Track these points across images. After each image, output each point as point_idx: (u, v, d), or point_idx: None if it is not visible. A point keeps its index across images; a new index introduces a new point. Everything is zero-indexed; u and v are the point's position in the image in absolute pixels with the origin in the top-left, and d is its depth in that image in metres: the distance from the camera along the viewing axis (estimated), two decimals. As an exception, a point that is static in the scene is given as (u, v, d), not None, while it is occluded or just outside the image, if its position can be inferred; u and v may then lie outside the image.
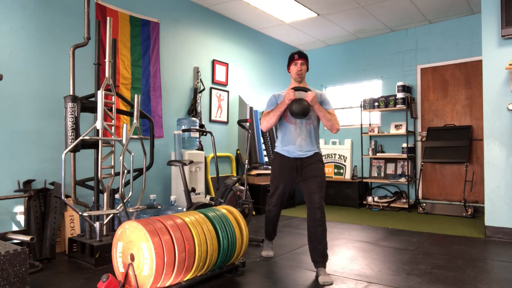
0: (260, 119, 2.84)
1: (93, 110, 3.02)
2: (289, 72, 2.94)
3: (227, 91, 5.34)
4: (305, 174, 2.77)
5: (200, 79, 4.84)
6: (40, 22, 3.34)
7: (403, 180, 5.58)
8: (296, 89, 2.76)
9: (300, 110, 2.67)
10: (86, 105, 2.97)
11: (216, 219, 2.52)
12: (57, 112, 3.38)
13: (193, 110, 4.69)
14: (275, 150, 2.98)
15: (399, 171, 5.80)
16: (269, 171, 5.36)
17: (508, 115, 3.71)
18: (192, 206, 3.46)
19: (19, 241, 2.71)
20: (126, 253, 2.21)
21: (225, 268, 2.63)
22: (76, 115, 2.85)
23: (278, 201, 2.94)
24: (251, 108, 5.48)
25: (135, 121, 3.09)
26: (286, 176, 2.84)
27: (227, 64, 5.35)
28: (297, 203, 5.95)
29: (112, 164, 3.15)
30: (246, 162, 4.27)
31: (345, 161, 6.24)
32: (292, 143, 2.81)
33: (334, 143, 6.44)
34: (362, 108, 5.98)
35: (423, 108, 5.78)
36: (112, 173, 3.14)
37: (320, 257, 2.62)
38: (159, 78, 4.38)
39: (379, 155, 5.94)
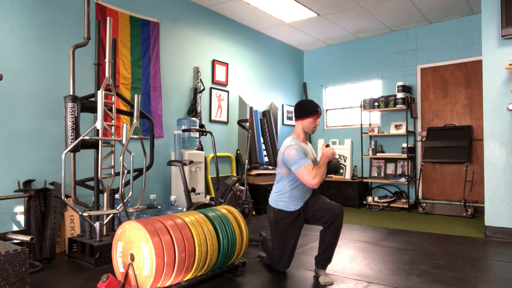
0: (301, 171, 2.48)
1: (93, 110, 3.02)
2: (300, 121, 2.71)
3: (227, 91, 5.34)
4: (308, 205, 2.68)
5: (200, 79, 4.84)
6: (40, 22, 3.34)
7: (403, 180, 5.58)
8: (327, 145, 2.65)
9: (338, 168, 2.62)
10: (86, 105, 2.97)
11: (216, 219, 2.52)
12: (57, 112, 3.38)
13: (193, 110, 4.69)
14: (275, 206, 2.70)
15: (399, 171, 5.80)
16: (269, 171, 5.37)
17: (508, 115, 3.71)
18: (192, 206, 3.46)
19: (19, 241, 2.71)
20: (126, 253, 2.21)
21: (225, 268, 2.63)
22: (76, 115, 2.85)
23: (289, 261, 2.70)
24: (251, 108, 5.48)
25: (135, 121, 3.09)
26: (298, 229, 2.69)
27: (227, 64, 5.35)
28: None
29: (112, 164, 3.15)
30: (246, 162, 4.28)
31: (345, 161, 6.24)
32: (302, 199, 2.67)
33: (334, 143, 6.44)
34: (362, 108, 5.98)
35: (423, 108, 5.78)
36: (112, 173, 3.14)
37: (326, 261, 2.62)
38: (159, 78, 4.38)
39: (379, 155, 5.94)
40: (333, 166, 2.60)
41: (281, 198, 2.69)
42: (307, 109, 2.70)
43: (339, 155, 6.30)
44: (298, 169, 2.50)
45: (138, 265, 2.14)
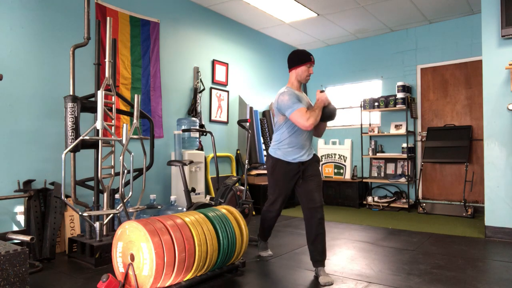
0: (294, 115, 2.52)
1: (93, 110, 3.02)
2: (293, 70, 2.74)
3: (227, 91, 5.34)
4: (304, 175, 2.73)
5: (200, 79, 4.84)
6: (40, 22, 3.34)
7: (403, 180, 5.58)
8: (321, 91, 2.68)
9: (334, 113, 2.63)
10: (86, 105, 2.97)
11: (216, 219, 2.52)
12: (57, 112, 3.38)
13: (193, 110, 4.69)
14: (274, 155, 2.76)
15: (399, 171, 5.80)
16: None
17: (508, 115, 3.71)
18: (192, 206, 3.46)
19: (19, 241, 2.71)
20: (126, 253, 2.21)
21: (225, 268, 2.63)
22: (76, 115, 2.85)
23: (280, 207, 2.86)
24: (251, 108, 5.48)
25: (135, 121, 3.09)
26: (291, 183, 2.74)
27: (227, 64, 5.35)
28: (297, 203, 5.95)
29: (112, 164, 3.15)
30: (246, 162, 4.28)
31: (345, 161, 6.24)
32: (301, 148, 2.70)
33: (334, 143, 6.44)
34: (362, 108, 5.98)
35: (423, 108, 5.78)
36: (112, 173, 3.14)
37: (320, 256, 2.61)
38: (159, 78, 4.38)
39: (379, 155, 5.94)
40: (329, 111, 2.62)
41: (280, 146, 2.73)
42: (300, 57, 2.73)
43: (339, 155, 6.30)
44: (292, 113, 2.54)
45: (138, 265, 2.14)
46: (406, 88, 5.62)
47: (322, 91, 2.65)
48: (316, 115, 2.54)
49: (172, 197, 3.82)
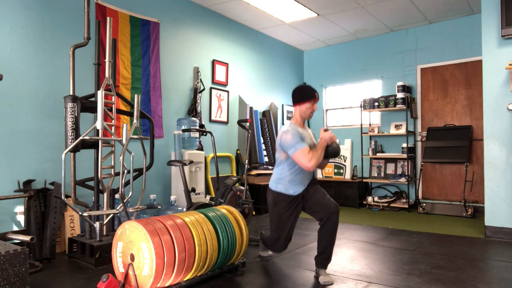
0: (297, 155, 2.50)
1: (93, 110, 3.02)
2: (297, 106, 2.71)
3: (227, 91, 5.34)
4: (307, 197, 2.69)
5: (200, 79, 4.84)
6: (40, 22, 3.34)
7: (403, 180, 5.58)
8: (325, 130, 2.64)
9: (337, 151, 2.61)
10: (86, 105, 2.97)
11: (216, 219, 2.52)
12: (57, 112, 3.38)
13: (193, 110, 4.69)
14: (275, 189, 2.71)
15: (399, 171, 5.80)
16: (269, 171, 5.37)
17: (508, 115, 3.71)
18: (192, 206, 3.46)
19: (19, 241, 2.71)
20: (126, 253, 2.21)
21: (225, 268, 2.63)
22: (76, 115, 2.85)
23: (286, 242, 2.73)
24: (251, 108, 5.48)
25: (135, 121, 3.09)
26: (294, 215, 2.69)
27: (227, 64, 5.35)
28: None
29: (112, 164, 3.15)
30: (246, 162, 4.28)
31: (345, 161, 6.24)
32: (302, 183, 2.68)
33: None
34: (362, 108, 5.98)
35: (423, 108, 5.78)
36: (112, 173, 3.14)
37: (325, 261, 2.62)
38: (159, 78, 4.38)
39: (379, 155, 5.94)
40: (332, 150, 2.60)
41: (281, 181, 2.70)
42: (304, 94, 2.70)
43: (339, 156, 6.29)
44: (294, 152, 2.52)
45: (138, 265, 2.14)
46: (406, 88, 5.62)
47: (326, 130, 2.62)
48: (319, 155, 2.51)
49: (172, 197, 3.82)
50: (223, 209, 2.71)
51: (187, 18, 4.77)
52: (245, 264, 2.82)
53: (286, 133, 2.60)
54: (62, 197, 2.78)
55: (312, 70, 7.02)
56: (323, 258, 2.61)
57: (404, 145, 5.61)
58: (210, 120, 5.06)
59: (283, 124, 6.49)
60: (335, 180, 6.10)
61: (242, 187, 4.29)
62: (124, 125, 3.00)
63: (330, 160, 2.79)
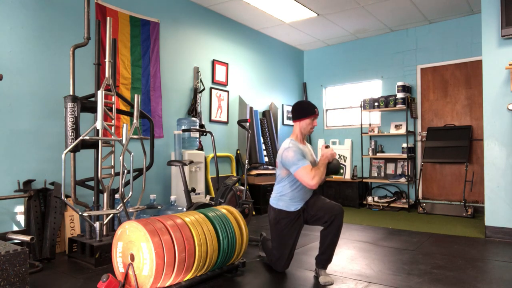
0: (299, 172, 2.49)
1: (93, 110, 3.02)
2: (297, 122, 2.71)
3: (227, 91, 5.34)
4: (308, 206, 2.68)
5: (200, 79, 4.84)
6: (40, 22, 3.34)
7: (403, 180, 5.58)
8: (326, 146, 2.66)
9: (338, 169, 2.61)
10: (86, 105, 2.97)
11: (216, 219, 2.52)
12: (57, 112, 3.38)
13: (193, 110, 4.69)
14: (276, 206, 2.70)
15: (399, 171, 5.80)
16: (269, 171, 5.37)
17: (508, 115, 3.71)
18: (192, 206, 3.46)
19: (19, 241, 2.71)
20: (126, 253, 2.21)
21: (225, 268, 2.63)
22: (76, 115, 2.85)
23: (288, 261, 2.71)
24: (251, 108, 5.48)
25: (135, 121, 3.09)
26: (297, 230, 2.68)
27: (227, 64, 5.35)
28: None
29: (112, 164, 3.15)
30: (246, 162, 4.28)
31: (345, 161, 6.24)
32: (303, 200, 2.68)
33: (334, 143, 6.44)
34: (362, 108, 5.98)
35: (423, 108, 5.78)
36: (112, 173, 3.14)
37: (326, 262, 2.62)
38: (159, 78, 4.38)
39: (379, 155, 5.94)
40: (333, 167, 2.60)
41: (282, 198, 2.69)
42: (303, 110, 2.70)
43: (339, 155, 6.30)
44: (296, 170, 2.51)
45: (138, 265, 2.14)
46: (406, 88, 5.62)
47: (327, 146, 2.62)
48: (321, 173, 2.50)
49: (172, 197, 3.82)
50: (223, 209, 2.71)
51: (187, 18, 4.77)
52: (245, 264, 2.82)
53: (287, 150, 2.58)
54: (62, 197, 2.78)
55: (312, 70, 7.02)
56: (324, 258, 2.61)
57: (404, 145, 5.61)
58: (210, 120, 5.06)
59: (283, 124, 6.49)
60: (335, 180, 6.10)
61: (242, 187, 4.28)
62: (124, 125, 3.00)
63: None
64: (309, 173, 2.46)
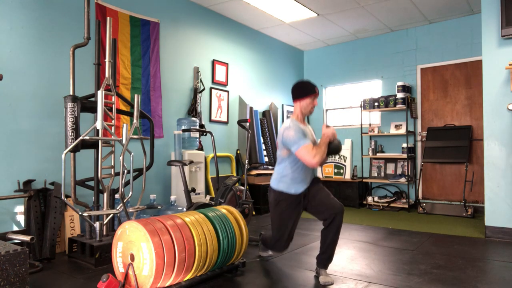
0: (301, 151, 2.47)
1: (93, 110, 3.02)
2: (298, 102, 2.69)
3: (227, 91, 5.34)
4: (310, 196, 2.67)
5: (200, 79, 4.84)
6: (40, 22, 3.34)
7: (403, 180, 5.58)
8: (327, 126, 2.64)
9: (339, 148, 2.60)
10: (86, 105, 2.97)
11: (216, 219, 2.52)
12: (57, 112, 3.38)
13: (193, 110, 4.69)
14: (276, 188, 2.69)
15: (399, 171, 5.80)
16: (269, 171, 5.37)
17: (508, 115, 3.71)
18: (192, 206, 3.46)
19: (19, 241, 2.71)
20: (126, 253, 2.21)
21: (225, 268, 2.63)
22: (76, 115, 2.85)
23: (288, 242, 2.73)
24: (251, 108, 5.48)
25: (135, 121, 3.09)
26: (296, 214, 2.67)
27: (227, 64, 5.35)
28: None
29: (112, 164, 3.15)
30: (246, 162, 4.28)
31: (345, 161, 6.24)
32: (303, 181, 2.66)
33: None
34: (362, 108, 5.98)
35: (423, 108, 5.78)
36: (112, 173, 3.14)
37: (327, 261, 2.62)
38: (159, 78, 4.38)
39: (379, 155, 5.94)
40: (334, 146, 2.58)
41: (283, 180, 2.67)
42: (304, 89, 2.68)
43: (339, 155, 6.30)
44: (298, 149, 2.49)
45: (138, 265, 2.14)
46: (406, 88, 5.62)
47: (328, 126, 2.61)
48: (323, 152, 2.48)
49: (172, 197, 3.82)
50: (223, 209, 2.71)
51: (187, 18, 4.77)
52: (245, 264, 2.82)
53: (288, 130, 2.58)
54: (62, 197, 2.78)
55: (312, 70, 7.02)
56: (325, 258, 2.61)
57: (404, 145, 5.61)
58: (210, 120, 5.06)
59: (283, 123, 6.48)
60: (335, 180, 6.10)
61: (242, 187, 4.28)
62: (124, 125, 3.00)
63: (330, 159, 2.78)
64: (311, 152, 2.45)
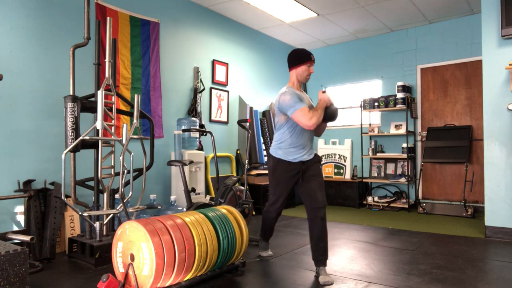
0: (297, 114, 2.50)
1: (93, 110, 3.02)
2: (293, 70, 2.72)
3: (227, 91, 5.34)
4: (306, 175, 2.71)
5: (200, 79, 4.84)
6: (40, 22, 3.34)
7: (403, 180, 5.58)
8: (323, 91, 2.66)
9: (336, 113, 2.62)
10: (86, 105, 2.97)
11: (216, 219, 2.52)
12: (57, 112, 3.38)
13: (193, 110, 4.69)
14: (275, 155, 2.74)
15: (399, 171, 5.80)
16: (269, 171, 5.36)
17: (508, 115, 3.71)
18: (192, 206, 3.46)
19: (19, 241, 2.71)
20: (126, 253, 2.21)
21: (225, 268, 2.63)
22: (76, 115, 2.85)
23: (281, 207, 2.84)
24: (251, 108, 5.48)
25: (135, 121, 3.09)
26: (292, 182, 2.72)
27: (227, 64, 5.35)
28: (297, 203, 5.96)
29: (112, 164, 3.15)
30: (246, 162, 4.27)
31: (345, 161, 6.24)
32: (302, 147, 2.68)
33: (334, 143, 6.45)
34: (362, 108, 5.98)
35: (423, 108, 5.78)
36: (112, 173, 3.14)
37: (322, 255, 2.61)
38: (159, 78, 4.38)
39: (379, 155, 5.94)
40: (331, 111, 2.61)
41: (281, 146, 2.71)
42: (300, 56, 2.71)
43: (339, 155, 6.30)
44: (294, 112, 2.53)
45: (138, 265, 2.14)
46: (406, 88, 5.62)
47: (324, 92, 2.64)
48: (319, 114, 2.52)
49: (172, 197, 3.82)
50: (223, 209, 2.71)
51: (187, 18, 4.77)
52: (245, 264, 2.82)
53: (284, 94, 2.62)
54: (62, 197, 2.78)
55: (312, 70, 7.01)
56: (319, 254, 2.60)
57: (404, 145, 5.61)
58: (210, 120, 5.06)
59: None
60: (335, 180, 6.10)
61: (242, 187, 4.28)
62: (124, 125, 3.00)
63: (328, 123, 2.76)
64: (307, 114, 2.49)
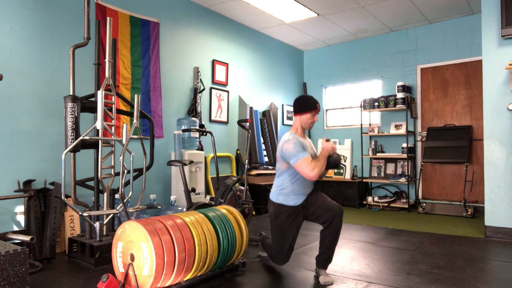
0: (299, 164, 2.47)
1: (93, 110, 3.02)
2: (298, 116, 2.71)
3: (227, 91, 5.34)
4: (308, 202, 2.67)
5: (200, 79, 4.83)
6: (40, 22, 3.34)
7: (403, 180, 5.58)
8: (327, 140, 2.65)
9: (338, 162, 2.60)
10: (86, 105, 2.97)
11: (216, 219, 2.52)
12: (57, 112, 3.38)
13: (193, 110, 4.69)
14: (276, 201, 2.68)
15: (399, 171, 5.80)
16: (269, 171, 5.37)
17: (508, 115, 3.71)
18: (192, 206, 3.46)
19: (19, 241, 2.71)
20: (126, 253, 2.21)
21: (225, 268, 2.64)
22: (76, 115, 2.85)
23: (288, 255, 2.69)
24: (251, 108, 5.48)
25: (135, 121, 3.09)
26: (296, 224, 2.65)
27: (227, 64, 5.35)
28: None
29: (112, 164, 3.15)
30: (246, 162, 4.27)
31: (345, 161, 6.24)
32: (303, 194, 2.66)
33: (334, 143, 6.43)
34: (362, 108, 5.98)
35: (423, 108, 5.78)
36: (112, 173, 3.14)
37: (327, 261, 2.62)
38: (159, 78, 4.38)
39: (379, 155, 5.94)
40: (333, 160, 2.58)
41: (282, 192, 2.67)
42: (305, 104, 2.70)
43: (338, 155, 6.30)
44: (296, 162, 2.49)
45: (138, 265, 2.14)
46: (406, 88, 5.62)
47: (327, 140, 2.62)
48: (321, 165, 2.48)
49: (172, 197, 3.82)
50: (223, 209, 2.71)
51: (187, 18, 4.77)
52: (245, 264, 2.82)
53: (287, 143, 2.58)
54: (62, 197, 2.78)
55: (312, 70, 7.02)
56: (324, 258, 2.61)
57: (404, 145, 5.61)
58: (210, 120, 5.06)
59: (283, 124, 6.49)
60: (335, 180, 6.10)
61: (242, 187, 4.28)
62: (124, 125, 3.00)
63: (328, 171, 2.77)
64: (309, 165, 2.45)
